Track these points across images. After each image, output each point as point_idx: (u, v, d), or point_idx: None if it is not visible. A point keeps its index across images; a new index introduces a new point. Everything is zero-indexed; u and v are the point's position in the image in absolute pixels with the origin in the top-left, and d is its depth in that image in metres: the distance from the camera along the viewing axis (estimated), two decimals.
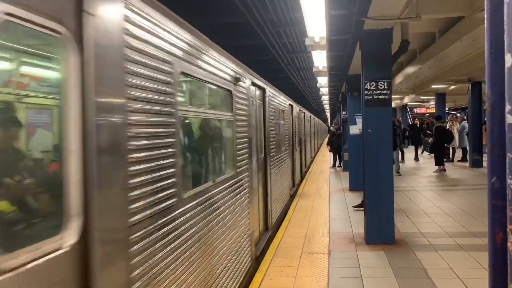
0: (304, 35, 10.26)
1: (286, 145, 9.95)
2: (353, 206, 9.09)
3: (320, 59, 11.22)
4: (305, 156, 16.23)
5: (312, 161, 21.39)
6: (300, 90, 28.74)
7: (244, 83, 5.34)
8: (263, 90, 7.08)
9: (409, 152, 20.58)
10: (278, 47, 14.38)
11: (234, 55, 5.17)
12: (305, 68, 19.94)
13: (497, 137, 1.46)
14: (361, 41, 6.65)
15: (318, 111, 54.68)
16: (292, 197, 10.67)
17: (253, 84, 6.16)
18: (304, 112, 16.26)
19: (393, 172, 7.67)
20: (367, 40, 6.54)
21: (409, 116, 31.02)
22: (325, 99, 29.27)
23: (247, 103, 5.45)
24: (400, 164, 15.32)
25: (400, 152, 15.62)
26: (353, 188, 11.64)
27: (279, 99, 9.04)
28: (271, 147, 7.60)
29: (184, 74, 3.12)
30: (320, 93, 24.87)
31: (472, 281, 4.84)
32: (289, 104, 10.99)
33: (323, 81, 16.94)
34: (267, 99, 7.31)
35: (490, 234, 1.53)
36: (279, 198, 8.40)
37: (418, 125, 20.37)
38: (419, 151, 20.17)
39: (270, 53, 15.24)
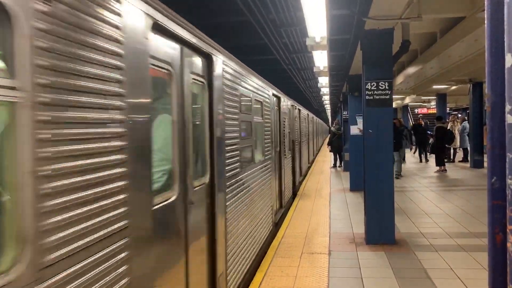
0: (305, 35, 10.27)
1: (267, 152, 6.98)
2: None
3: (321, 59, 11.25)
4: (300, 162, 13.46)
5: (310, 167, 19.11)
6: (301, 90, 28.75)
7: (123, 16, 2.26)
8: (207, 57, 3.87)
9: (408, 152, 20.52)
10: (279, 47, 14.38)
11: (235, 55, 5.12)
12: (306, 68, 19.93)
13: (497, 137, 1.46)
14: (362, 41, 6.65)
15: (319, 111, 54.69)
16: (277, 225, 7.82)
17: (163, 31, 2.86)
18: (299, 109, 13.49)
19: (394, 173, 7.65)
20: (368, 40, 6.53)
21: (410, 116, 31.02)
22: (326, 99, 29.33)
23: (120, 64, 2.20)
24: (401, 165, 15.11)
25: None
26: (353, 188, 11.63)
27: (252, 84, 5.88)
28: (229, 160, 4.43)
29: None
30: (321, 93, 24.90)
31: (472, 281, 4.83)
32: (274, 95, 8.04)
33: (324, 81, 16.97)
34: (216, 74, 4.01)
35: (490, 234, 1.52)
36: (247, 246, 5.20)
37: (423, 125, 19.95)
38: (419, 151, 19.77)
39: (271, 53, 15.24)
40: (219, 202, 4.03)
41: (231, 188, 4.48)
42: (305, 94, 32.49)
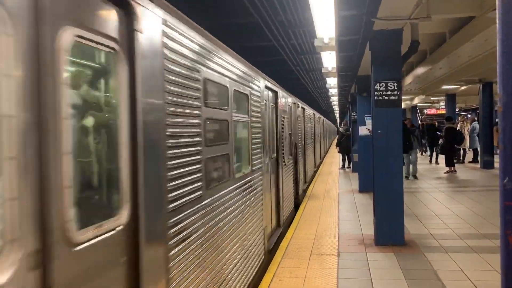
0: (313, 36, 10.26)
1: (257, 161, 5.50)
2: None
3: (329, 60, 11.21)
4: (304, 168, 11.95)
5: (316, 171, 17.50)
6: (309, 91, 28.72)
7: None
8: (124, 6, 2.19)
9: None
10: (287, 48, 14.39)
11: (243, 56, 5.12)
12: (314, 69, 19.91)
13: (509, 137, 1.45)
14: (371, 41, 6.63)
15: (327, 111, 54.58)
16: (270, 252, 6.24)
17: None
18: (303, 107, 11.99)
19: (404, 175, 7.55)
20: (376, 40, 6.51)
21: (419, 117, 30.86)
22: (334, 100, 29.24)
23: None
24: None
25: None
26: (362, 189, 11.60)
27: (229, 68, 4.25)
28: (177, 182, 2.78)
29: None
30: (329, 94, 24.84)
31: (483, 283, 4.79)
32: (267, 88, 6.58)
33: (332, 82, 16.92)
34: (145, 38, 2.36)
35: (502, 235, 1.51)
36: None
37: (436, 125, 19.70)
38: (430, 152, 19.55)
39: (279, 54, 15.25)
40: (152, 258, 2.37)
41: (179, 227, 2.78)
42: (313, 95, 32.45)
